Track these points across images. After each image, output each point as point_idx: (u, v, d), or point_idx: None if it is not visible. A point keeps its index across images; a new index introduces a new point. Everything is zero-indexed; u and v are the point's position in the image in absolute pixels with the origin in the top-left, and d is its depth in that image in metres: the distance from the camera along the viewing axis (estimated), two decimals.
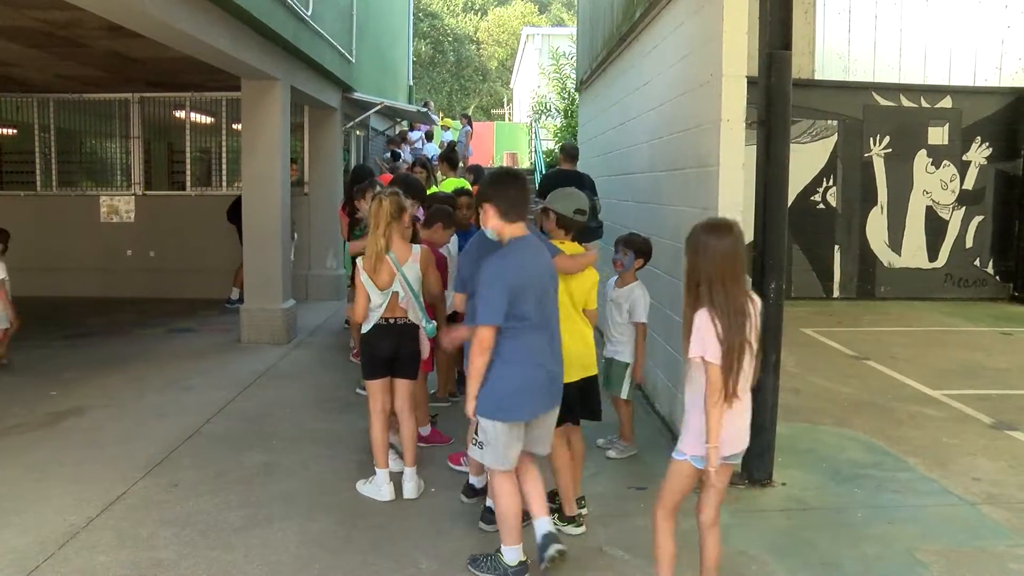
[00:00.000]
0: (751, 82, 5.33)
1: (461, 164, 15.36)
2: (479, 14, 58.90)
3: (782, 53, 5.27)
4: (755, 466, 5.41)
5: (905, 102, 13.90)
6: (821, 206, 13.66)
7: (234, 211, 11.05)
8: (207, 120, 13.42)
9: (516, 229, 4.02)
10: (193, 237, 13.07)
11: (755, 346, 3.50)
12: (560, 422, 4.44)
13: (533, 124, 28.72)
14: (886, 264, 13.97)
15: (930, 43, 14.01)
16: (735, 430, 3.53)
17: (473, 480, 5.08)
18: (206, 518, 4.82)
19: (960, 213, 14.20)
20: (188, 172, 13.26)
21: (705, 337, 3.40)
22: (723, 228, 3.49)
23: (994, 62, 14.21)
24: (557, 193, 4.64)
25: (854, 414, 7.07)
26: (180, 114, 13.23)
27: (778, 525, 4.85)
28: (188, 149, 13.20)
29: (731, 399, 3.41)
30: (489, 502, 4.70)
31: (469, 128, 24.00)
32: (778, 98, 5.27)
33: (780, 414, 5.54)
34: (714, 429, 3.41)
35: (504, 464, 4.00)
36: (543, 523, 4.13)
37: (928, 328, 11.38)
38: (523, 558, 4.06)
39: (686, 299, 3.52)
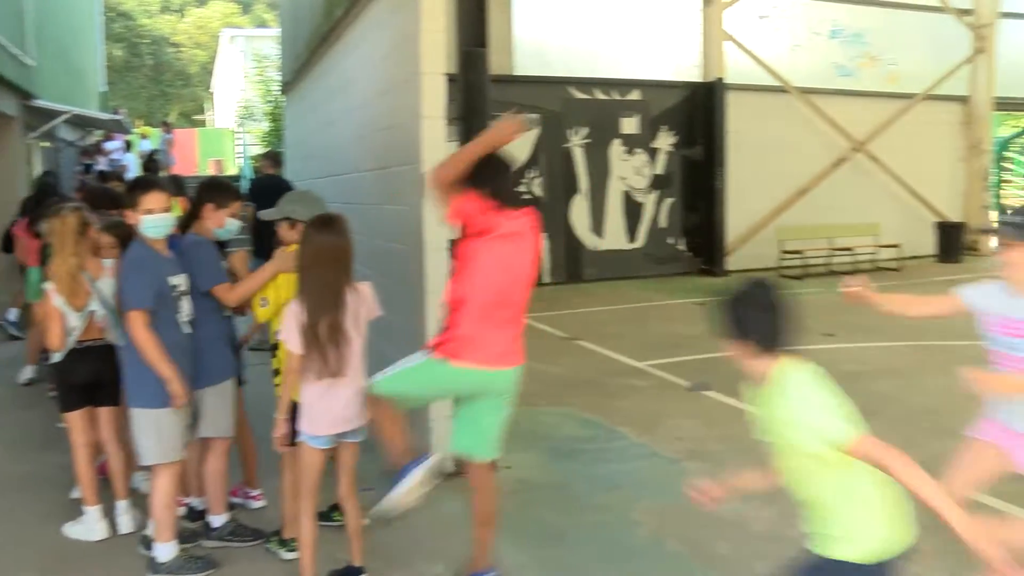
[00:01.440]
0: (451, 79, 5.45)
1: (163, 173, 14.63)
2: (178, 14, 56.08)
3: (478, 51, 5.46)
4: None
5: (599, 95, 14.80)
6: (527, 196, 14.23)
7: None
8: None
9: None
10: None
11: (352, 332, 3.81)
12: None
13: (239, 129, 27.89)
14: (591, 248, 14.83)
15: (618, 40, 14.96)
16: (340, 409, 3.83)
17: (195, 502, 4.85)
18: None
19: (653, 196, 15.34)
20: None
21: (290, 325, 3.73)
22: (325, 222, 3.84)
23: (672, 59, 15.44)
24: (293, 200, 4.50)
25: (569, 392, 7.43)
26: None
27: (505, 507, 4.99)
28: None
29: (329, 378, 3.73)
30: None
31: (169, 136, 22.89)
32: (476, 94, 5.45)
33: None
34: (283, 404, 3.87)
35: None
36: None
37: (632, 305, 12.19)
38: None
39: (297, 287, 3.83)
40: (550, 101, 14.43)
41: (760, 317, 2.60)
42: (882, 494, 2.58)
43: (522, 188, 14.22)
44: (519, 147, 14.11)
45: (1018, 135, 24.23)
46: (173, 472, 4.17)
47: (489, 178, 3.60)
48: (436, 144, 5.38)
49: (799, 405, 2.51)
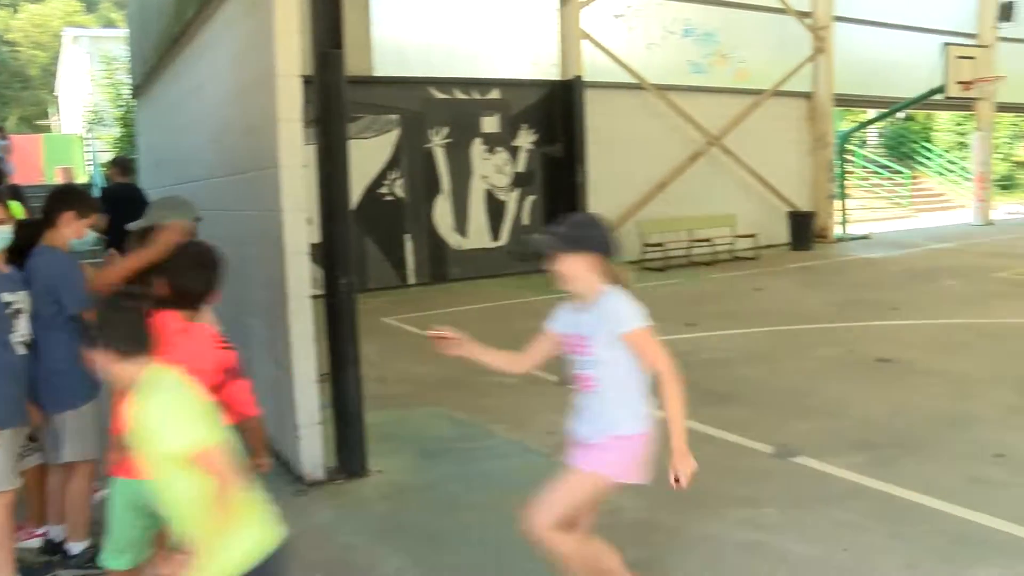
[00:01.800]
0: (307, 81, 5.36)
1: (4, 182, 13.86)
2: (9, 9, 52.89)
3: (335, 52, 5.36)
4: (349, 459, 5.49)
5: (459, 95, 14.82)
6: (390, 198, 14.14)
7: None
8: None
9: None
10: None
11: None
12: None
13: (88, 135, 26.77)
14: (455, 247, 14.83)
15: (477, 40, 15.02)
16: None
17: (56, 531, 4.59)
18: None
19: (515, 194, 15.48)
20: None
21: None
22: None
23: (531, 57, 15.60)
24: (163, 206, 4.31)
25: (440, 393, 7.42)
26: None
27: (380, 512, 4.98)
28: None
29: None
30: None
31: (5, 141, 21.65)
32: (334, 96, 5.36)
33: (368, 404, 5.67)
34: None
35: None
36: None
37: (498, 303, 12.27)
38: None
39: None
40: (410, 101, 14.36)
41: (117, 323, 2.62)
42: (243, 500, 2.58)
43: (384, 191, 14.10)
44: (380, 149, 14.01)
45: (857, 129, 25.64)
46: (6, 503, 3.86)
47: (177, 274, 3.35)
48: (294, 147, 5.28)
49: (160, 410, 2.54)
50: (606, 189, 16.03)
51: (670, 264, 15.78)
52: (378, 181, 14.04)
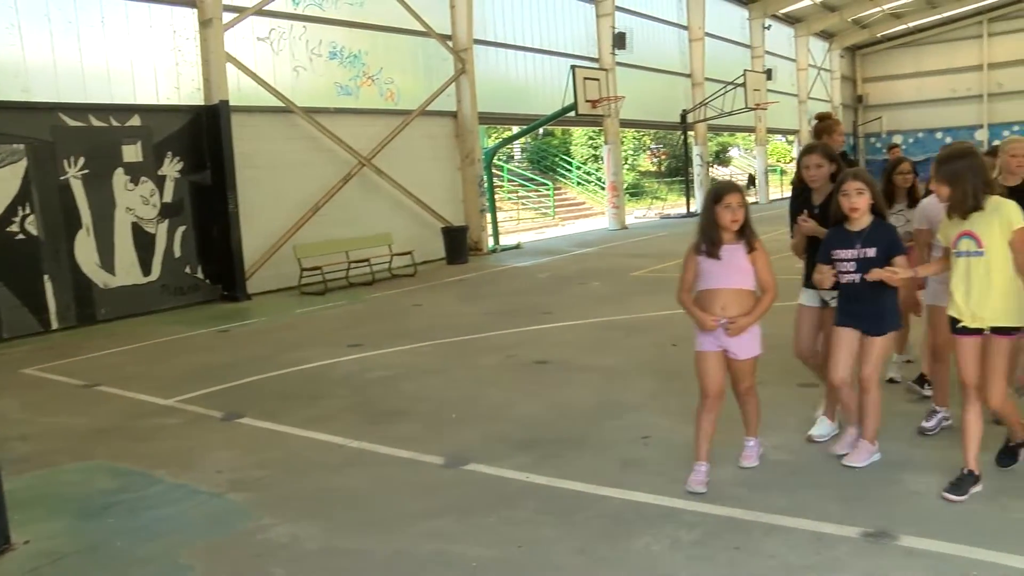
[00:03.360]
0: None
1: None
2: None
3: None
4: None
5: (95, 122, 13.83)
6: (21, 236, 12.85)
7: None
8: None
9: None
10: None
11: None
12: None
13: None
14: (102, 286, 13.80)
15: (112, 63, 14.10)
16: None
17: None
18: None
19: (165, 225, 14.70)
20: None
21: None
22: None
23: (173, 82, 14.91)
24: None
25: (95, 443, 6.88)
26: None
27: None
28: None
29: None
30: None
31: None
32: None
33: (9, 467, 5.15)
34: None
35: None
36: None
37: (154, 341, 11.60)
38: None
39: None
40: (37, 129, 13.16)
41: None
42: None
43: (14, 228, 12.81)
44: (6, 183, 12.75)
45: (502, 145, 27.12)
46: None
47: None
48: None
49: None
50: (260, 215, 15.74)
51: (330, 287, 15.76)
52: (6, 218, 12.70)
